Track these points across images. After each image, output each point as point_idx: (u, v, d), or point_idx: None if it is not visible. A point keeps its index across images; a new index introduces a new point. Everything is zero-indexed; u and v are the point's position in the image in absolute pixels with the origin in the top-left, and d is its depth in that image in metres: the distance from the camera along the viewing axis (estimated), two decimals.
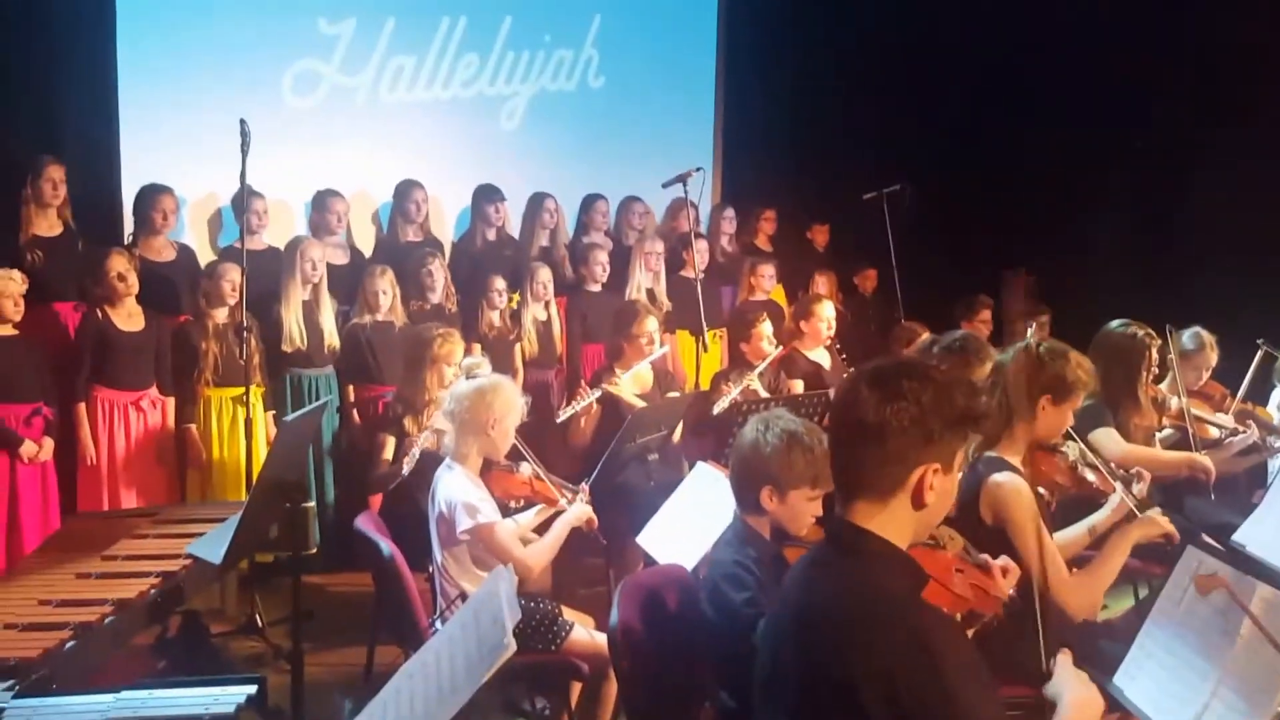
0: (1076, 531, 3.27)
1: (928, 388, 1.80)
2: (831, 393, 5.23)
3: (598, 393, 4.91)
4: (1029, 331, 5.02)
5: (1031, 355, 3.18)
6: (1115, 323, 4.41)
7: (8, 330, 4.62)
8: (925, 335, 5.13)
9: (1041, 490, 3.20)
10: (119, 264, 4.91)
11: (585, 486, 3.85)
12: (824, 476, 2.72)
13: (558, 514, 3.68)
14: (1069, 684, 1.92)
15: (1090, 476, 3.42)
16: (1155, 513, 3.17)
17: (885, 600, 1.75)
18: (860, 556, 1.82)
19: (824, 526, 1.96)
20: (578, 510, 3.64)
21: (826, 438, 2.70)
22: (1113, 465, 3.59)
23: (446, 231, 6.66)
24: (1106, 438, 4.09)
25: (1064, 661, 1.99)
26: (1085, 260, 6.59)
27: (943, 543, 2.68)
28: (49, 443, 4.72)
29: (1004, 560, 2.66)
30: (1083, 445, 3.53)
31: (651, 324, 5.16)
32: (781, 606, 1.93)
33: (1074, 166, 6.79)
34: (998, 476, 3.00)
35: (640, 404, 4.96)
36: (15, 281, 4.59)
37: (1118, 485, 3.36)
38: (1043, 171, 6.98)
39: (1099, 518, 3.27)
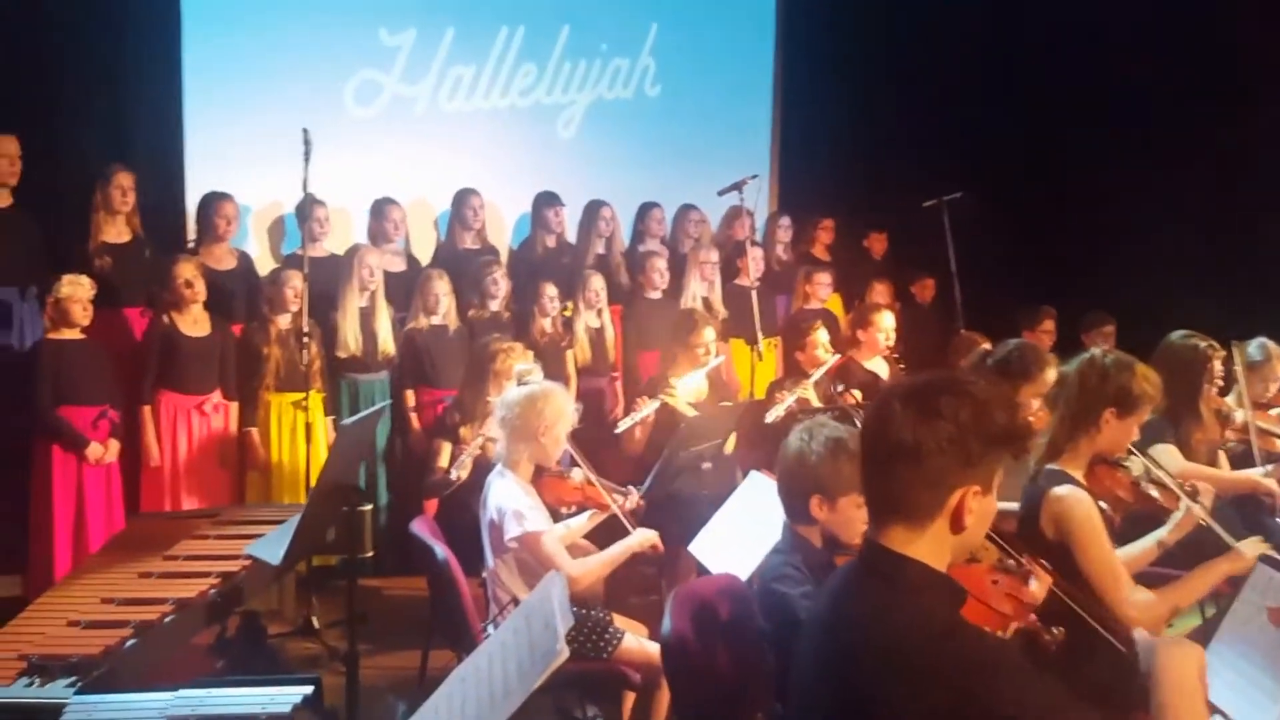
0: (1143, 546, 3.18)
1: (966, 405, 1.69)
2: None
3: (656, 403, 4.90)
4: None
5: (1096, 366, 3.10)
6: (1177, 334, 4.30)
7: (76, 334, 4.73)
8: (985, 345, 5.05)
9: (1103, 505, 3.13)
10: (187, 270, 5.00)
11: (631, 489, 3.83)
12: None
13: (610, 519, 3.67)
14: (1158, 647, 1.83)
15: (1154, 492, 3.33)
16: (1254, 543, 3.04)
17: (931, 634, 1.65)
18: (898, 585, 1.72)
19: (860, 549, 1.86)
20: (642, 535, 3.60)
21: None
22: (1178, 480, 3.50)
23: (503, 239, 6.70)
24: (1165, 454, 3.98)
25: (1142, 634, 1.91)
26: (1151, 270, 6.43)
27: (978, 555, 2.63)
28: (114, 444, 4.82)
29: (1028, 562, 2.60)
30: (1147, 459, 3.45)
31: (709, 333, 5.15)
32: (814, 636, 1.84)
33: (1140, 174, 6.64)
34: (1059, 490, 2.94)
35: (694, 413, 4.94)
36: (84, 287, 4.70)
37: (1183, 500, 3.27)
38: (1107, 179, 6.85)
39: (1165, 532, 3.19)
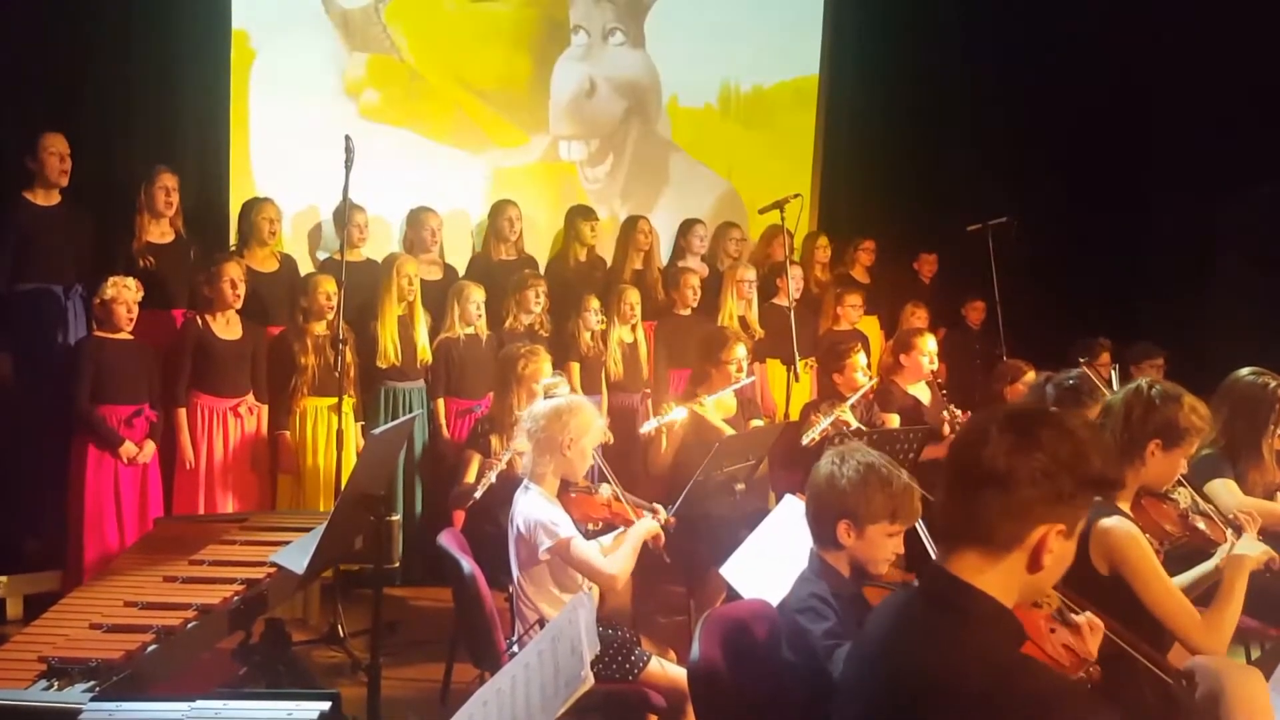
0: (1196, 575, 3.08)
1: (1066, 442, 1.64)
2: (929, 428, 5.09)
3: (684, 410, 4.85)
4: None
5: (1142, 397, 3.02)
6: (1245, 371, 4.15)
7: (122, 335, 4.75)
8: (1031, 374, 4.95)
9: (1148, 538, 3.03)
10: (234, 271, 5.02)
11: (658, 506, 3.78)
12: (904, 510, 2.62)
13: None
14: (1226, 670, 1.78)
15: (1201, 525, 3.25)
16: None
17: (998, 668, 1.59)
18: (965, 615, 1.65)
19: (919, 575, 1.79)
20: (647, 524, 3.57)
21: (906, 473, 2.63)
22: (1226, 514, 3.41)
23: (540, 250, 6.68)
24: (1224, 489, 3.86)
25: (1201, 661, 1.85)
26: (1202, 301, 6.30)
27: (1040, 601, 2.55)
28: (150, 445, 4.83)
29: (1089, 617, 2.52)
30: (1194, 492, 3.34)
31: (740, 351, 5.09)
32: (864, 663, 1.78)
33: (1192, 202, 6.52)
34: (1105, 522, 2.85)
35: (727, 430, 4.87)
36: (130, 289, 4.74)
37: (1229, 533, 3.18)
38: (1158, 207, 6.73)
39: (1212, 565, 3.09)
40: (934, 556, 1.80)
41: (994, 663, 1.60)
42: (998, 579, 1.67)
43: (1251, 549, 2.99)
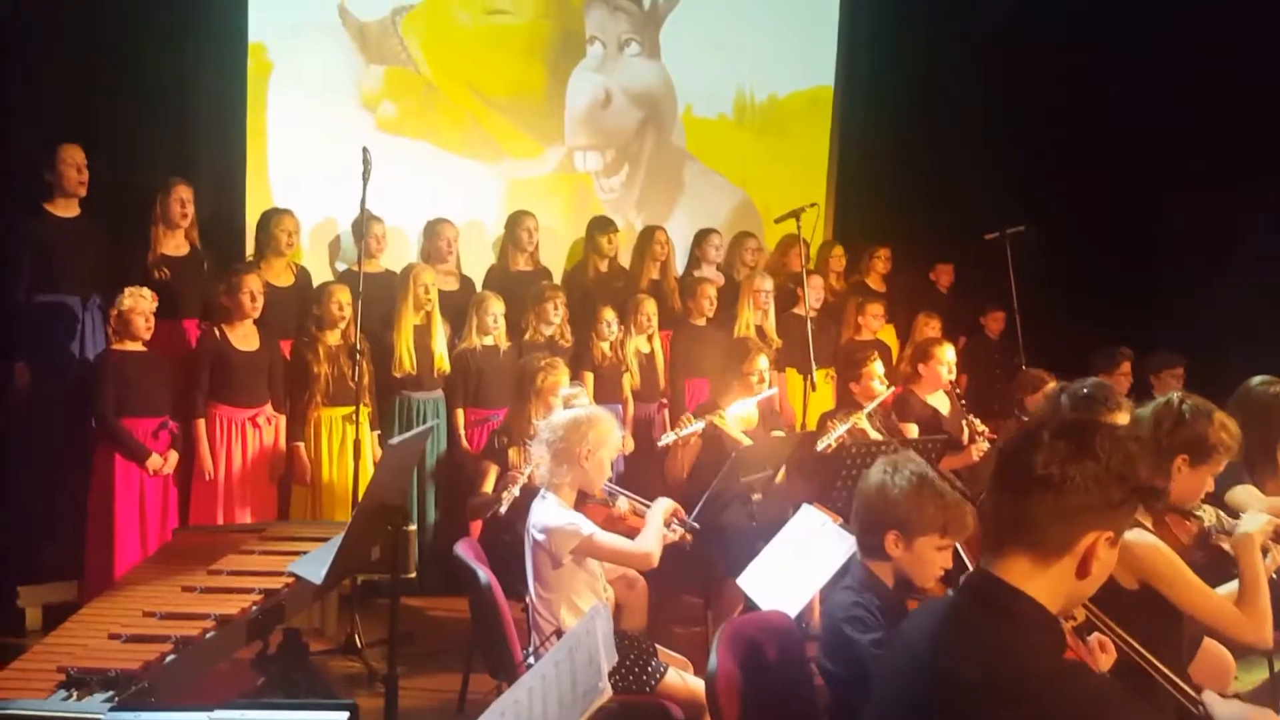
0: (1231, 587, 3.04)
1: (1119, 450, 1.69)
2: (948, 438, 5.07)
3: (703, 423, 4.84)
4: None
5: (1172, 411, 2.99)
6: (1256, 379, 4.12)
7: (138, 346, 4.78)
8: (1051, 383, 4.92)
9: None
10: (254, 283, 5.04)
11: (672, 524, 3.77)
12: (955, 524, 2.60)
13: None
14: (1238, 708, 1.80)
15: (1225, 545, 3.20)
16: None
17: (1045, 672, 1.62)
18: (1013, 619, 1.68)
19: (966, 578, 1.81)
20: (665, 503, 3.58)
21: (950, 485, 2.62)
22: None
23: (556, 261, 6.68)
24: (1246, 494, 3.83)
25: (1214, 698, 1.87)
26: (1221, 308, 6.24)
27: (1070, 613, 2.54)
28: (174, 456, 4.85)
29: (1098, 636, 2.51)
30: (1219, 511, 3.30)
31: (763, 362, 5.10)
32: (905, 668, 1.78)
33: (1210, 209, 6.46)
34: (1128, 535, 2.81)
35: (745, 441, 4.86)
36: (146, 300, 4.76)
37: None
38: (1176, 214, 6.67)
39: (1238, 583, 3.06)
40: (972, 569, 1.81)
41: (1045, 667, 1.63)
42: (1046, 585, 1.70)
43: (1252, 523, 2.97)
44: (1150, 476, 1.76)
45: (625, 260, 6.57)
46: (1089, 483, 1.66)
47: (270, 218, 5.55)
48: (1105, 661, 2.47)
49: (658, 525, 3.50)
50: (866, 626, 2.51)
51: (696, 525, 3.81)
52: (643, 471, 5.42)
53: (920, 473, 2.61)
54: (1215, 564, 3.18)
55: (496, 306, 5.53)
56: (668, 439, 4.82)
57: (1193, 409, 2.98)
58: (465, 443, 5.51)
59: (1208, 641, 3.40)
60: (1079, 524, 1.68)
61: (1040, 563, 1.69)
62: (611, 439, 3.55)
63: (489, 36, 6.62)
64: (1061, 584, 1.70)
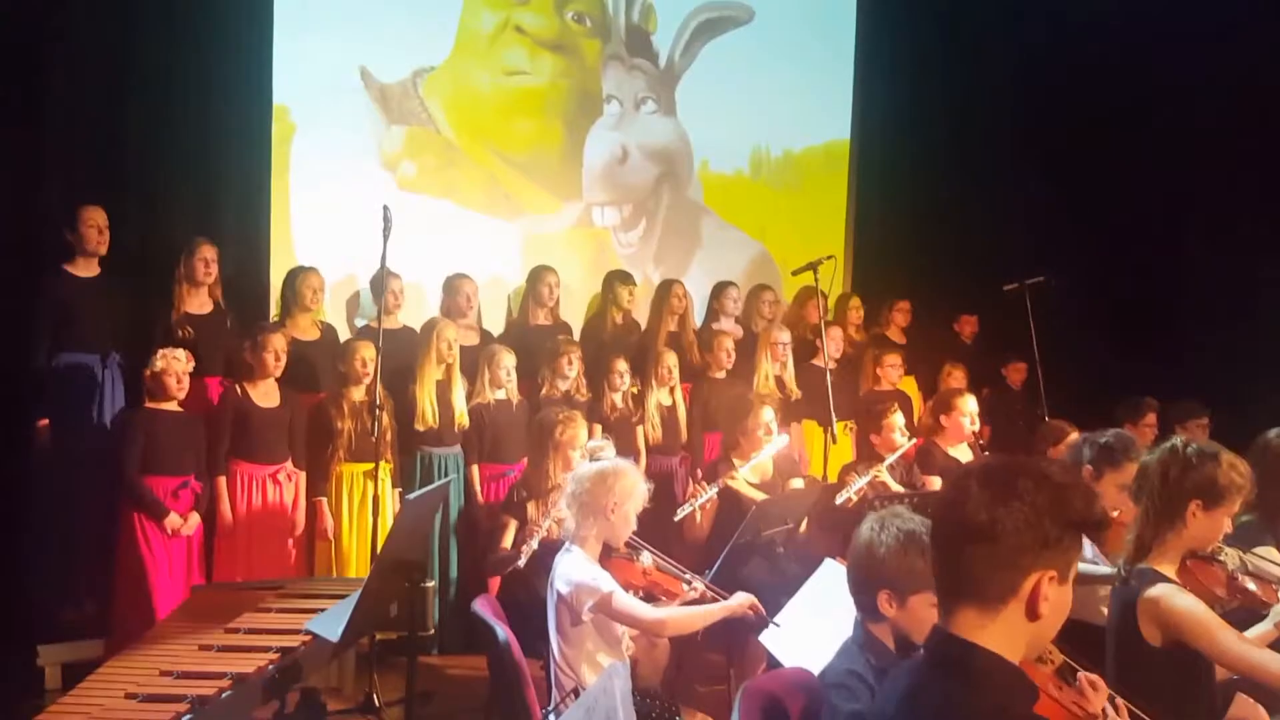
0: (1255, 636, 2.96)
1: (1044, 488, 1.66)
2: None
3: (714, 489, 4.80)
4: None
5: (1179, 456, 2.93)
6: (1274, 431, 4.02)
7: (172, 406, 4.81)
8: (1074, 434, 4.86)
9: None
10: (279, 343, 5.08)
11: (696, 579, 3.72)
12: None
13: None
14: None
15: (1252, 585, 3.14)
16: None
17: None
18: (970, 674, 1.66)
19: (926, 638, 1.80)
20: (741, 597, 3.49)
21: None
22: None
23: (574, 315, 6.71)
24: (1268, 555, 3.74)
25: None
26: (1245, 359, 6.18)
27: (1044, 658, 2.48)
28: (195, 517, 4.84)
29: (1087, 675, 2.44)
30: (1241, 552, 3.24)
31: (767, 414, 5.05)
32: None
33: (1231, 258, 6.44)
34: (1152, 591, 2.76)
35: (760, 496, 4.81)
36: (180, 360, 4.80)
37: None
38: (1202, 262, 6.64)
39: (1269, 625, 2.98)
40: None
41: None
42: (999, 633, 1.68)
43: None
44: (1085, 506, 1.69)
45: (641, 314, 6.58)
46: (1019, 525, 1.65)
47: (296, 275, 5.61)
48: (1098, 701, 2.40)
49: (705, 615, 3.45)
50: (851, 695, 2.43)
51: (779, 624, 3.70)
52: (664, 527, 5.37)
53: (908, 529, 2.52)
54: (1241, 606, 3.12)
55: (508, 360, 5.53)
56: (683, 512, 4.77)
57: (1198, 452, 2.92)
58: (480, 497, 5.49)
59: (1240, 696, 3.31)
60: (1016, 568, 1.66)
61: (988, 612, 1.68)
62: (638, 492, 3.53)
63: (508, 97, 6.74)
64: (1014, 630, 1.68)
